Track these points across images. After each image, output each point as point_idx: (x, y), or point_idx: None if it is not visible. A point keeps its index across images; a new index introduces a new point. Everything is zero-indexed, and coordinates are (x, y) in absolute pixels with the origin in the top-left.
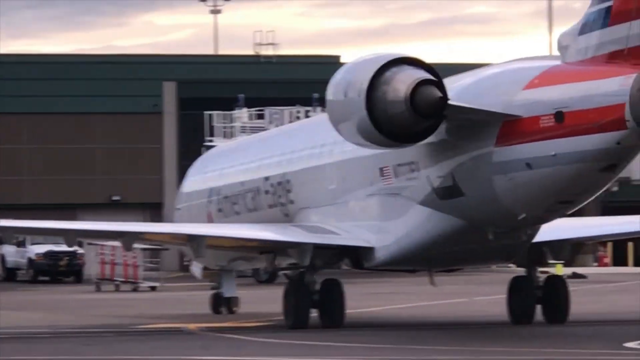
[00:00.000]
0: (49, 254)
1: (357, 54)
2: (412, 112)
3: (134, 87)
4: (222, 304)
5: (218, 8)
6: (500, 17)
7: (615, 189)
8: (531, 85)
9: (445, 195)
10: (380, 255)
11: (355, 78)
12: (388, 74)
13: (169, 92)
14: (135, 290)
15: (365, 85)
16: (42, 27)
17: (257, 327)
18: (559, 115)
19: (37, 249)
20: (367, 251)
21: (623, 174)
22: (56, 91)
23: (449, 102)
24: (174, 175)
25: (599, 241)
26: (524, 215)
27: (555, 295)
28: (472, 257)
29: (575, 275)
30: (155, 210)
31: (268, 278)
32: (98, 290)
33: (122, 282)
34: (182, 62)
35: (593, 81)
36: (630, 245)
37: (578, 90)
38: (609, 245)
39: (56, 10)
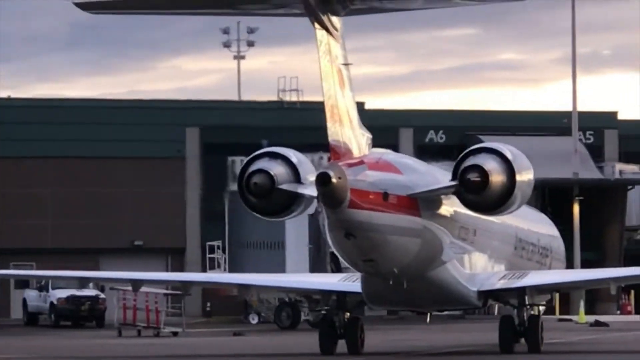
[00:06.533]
0: (71, 299)
1: (382, 101)
2: (247, 195)
3: (158, 132)
4: None
5: (242, 54)
6: (528, 64)
7: (638, 237)
8: None
9: None
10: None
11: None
12: (251, 165)
13: (192, 138)
14: (157, 335)
15: (237, 174)
16: (70, 71)
17: None
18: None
19: (59, 294)
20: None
21: None
22: (81, 135)
23: (278, 187)
24: (197, 221)
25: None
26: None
27: (531, 331)
28: (412, 300)
29: (597, 323)
30: (177, 256)
31: (290, 324)
32: (120, 335)
33: (144, 327)
34: (205, 107)
35: None
36: None
37: None
38: (632, 293)
39: (84, 54)
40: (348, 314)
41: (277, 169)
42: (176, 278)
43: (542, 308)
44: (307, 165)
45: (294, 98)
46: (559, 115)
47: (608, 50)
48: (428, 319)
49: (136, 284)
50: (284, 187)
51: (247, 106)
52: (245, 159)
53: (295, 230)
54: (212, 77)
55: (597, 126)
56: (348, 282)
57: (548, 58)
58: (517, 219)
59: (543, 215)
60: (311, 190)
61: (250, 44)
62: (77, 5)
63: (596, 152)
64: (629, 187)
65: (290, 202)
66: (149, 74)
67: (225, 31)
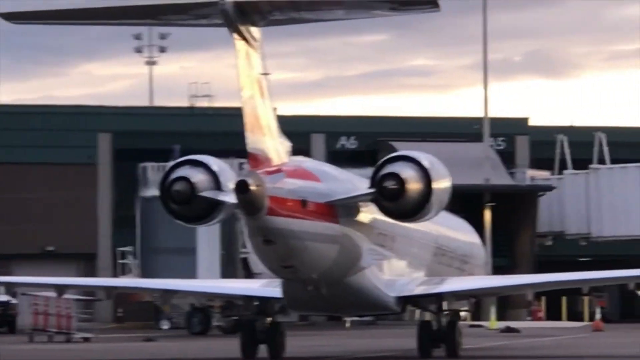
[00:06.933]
0: None
1: (294, 107)
2: (166, 201)
3: (70, 138)
4: None
5: (153, 60)
6: (439, 70)
7: (549, 243)
8: None
9: None
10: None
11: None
12: (173, 173)
13: (104, 143)
14: (68, 341)
15: (159, 180)
16: None
17: None
18: None
19: None
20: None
21: (557, 228)
22: None
23: (199, 194)
24: (109, 226)
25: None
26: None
27: (449, 336)
28: (332, 306)
29: (508, 329)
30: (89, 261)
31: (201, 330)
32: (31, 340)
33: (55, 332)
34: (117, 113)
35: None
36: (564, 299)
37: None
38: (543, 299)
39: None
40: (269, 319)
41: (198, 177)
42: (103, 283)
43: (463, 314)
44: (228, 173)
45: (206, 104)
46: (470, 122)
47: (519, 56)
48: (348, 324)
49: (60, 289)
50: (204, 194)
51: (158, 112)
52: (167, 166)
53: (207, 236)
54: (123, 82)
55: (509, 132)
56: (270, 287)
57: (459, 64)
58: (437, 226)
59: (464, 222)
60: (231, 198)
61: (162, 49)
62: (1, 15)
63: (507, 158)
64: (540, 193)
65: (211, 209)
66: (61, 80)
67: (137, 37)
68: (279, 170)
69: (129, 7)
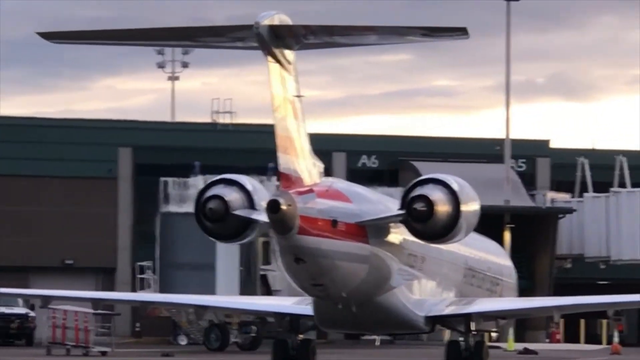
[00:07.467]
0: (0, 317)
1: (316, 125)
2: (201, 218)
3: (90, 152)
4: None
5: (176, 75)
6: (461, 91)
7: (568, 266)
8: None
9: None
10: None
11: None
12: (207, 191)
13: (125, 158)
14: (86, 354)
15: (194, 198)
16: (3, 89)
17: None
18: None
19: None
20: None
21: (576, 250)
22: (12, 153)
23: (233, 212)
24: (128, 241)
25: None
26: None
27: (476, 357)
28: (361, 324)
29: (526, 351)
30: (107, 275)
31: (219, 346)
32: (49, 354)
33: (73, 346)
34: (138, 128)
35: None
36: (582, 322)
37: None
38: (561, 321)
39: (18, 72)
40: (301, 336)
41: (232, 195)
42: (137, 298)
43: (494, 335)
44: (262, 192)
45: (227, 120)
46: (491, 143)
47: (541, 78)
48: (377, 342)
49: (96, 303)
50: (237, 212)
51: (180, 127)
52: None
53: (226, 252)
54: (146, 97)
55: (530, 154)
56: (302, 305)
57: (482, 85)
58: (468, 248)
59: (496, 245)
60: (264, 216)
61: (185, 65)
62: (40, 35)
63: (528, 180)
64: (560, 215)
65: (244, 227)
66: (83, 94)
67: (160, 52)
68: (310, 191)
69: (166, 29)
